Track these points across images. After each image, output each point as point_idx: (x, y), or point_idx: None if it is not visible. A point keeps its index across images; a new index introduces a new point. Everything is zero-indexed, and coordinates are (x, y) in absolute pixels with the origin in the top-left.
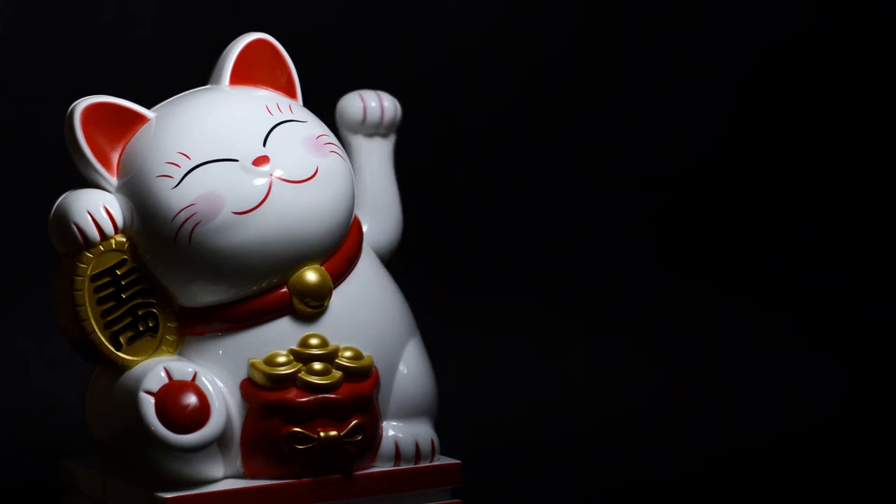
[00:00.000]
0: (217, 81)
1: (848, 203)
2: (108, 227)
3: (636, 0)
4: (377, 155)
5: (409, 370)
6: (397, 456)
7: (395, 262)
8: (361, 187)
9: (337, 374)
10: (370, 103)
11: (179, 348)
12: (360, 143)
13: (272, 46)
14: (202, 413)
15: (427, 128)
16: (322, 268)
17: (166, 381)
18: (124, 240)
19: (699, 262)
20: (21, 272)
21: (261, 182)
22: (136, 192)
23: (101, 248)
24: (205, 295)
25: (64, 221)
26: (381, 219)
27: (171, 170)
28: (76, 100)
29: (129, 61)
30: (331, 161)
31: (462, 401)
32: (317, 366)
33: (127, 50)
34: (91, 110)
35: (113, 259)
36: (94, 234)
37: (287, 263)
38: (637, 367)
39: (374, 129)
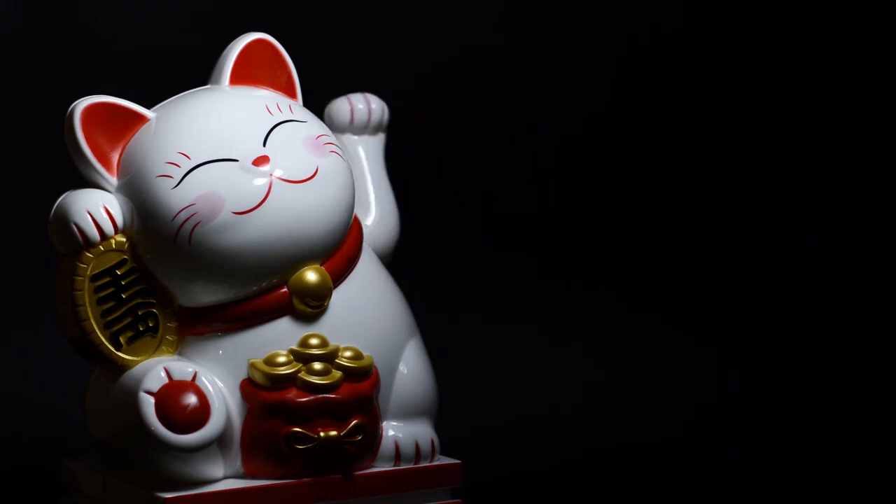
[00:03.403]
0: (217, 81)
1: (848, 203)
2: (108, 227)
3: (636, 0)
4: (368, 153)
5: (409, 370)
6: (397, 456)
7: (396, 262)
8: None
9: (337, 374)
10: (357, 105)
11: (179, 348)
12: (350, 141)
13: (272, 46)
14: (202, 413)
15: (427, 128)
16: (322, 268)
17: (166, 381)
18: (124, 240)
19: (699, 261)
20: (21, 272)
21: (261, 182)
22: (136, 192)
23: (101, 248)
24: (205, 295)
25: (64, 221)
26: (378, 214)
27: (171, 170)
28: (76, 100)
29: (129, 61)
30: (331, 161)
31: (462, 401)
32: (317, 366)
33: (127, 50)
34: (91, 110)
35: (113, 259)
36: (94, 234)
37: (287, 263)
38: (637, 367)
39: (361, 130)
